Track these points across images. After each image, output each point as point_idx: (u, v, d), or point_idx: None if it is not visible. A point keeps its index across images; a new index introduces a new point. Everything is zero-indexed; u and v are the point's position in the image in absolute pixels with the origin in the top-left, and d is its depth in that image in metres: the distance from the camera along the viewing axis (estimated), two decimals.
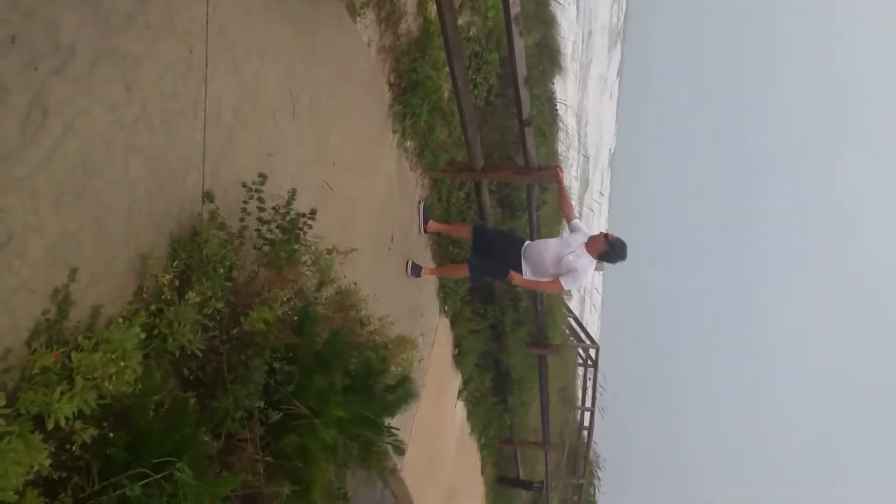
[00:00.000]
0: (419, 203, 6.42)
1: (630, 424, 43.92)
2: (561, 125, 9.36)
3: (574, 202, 7.47)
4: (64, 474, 2.28)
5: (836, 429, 75.09)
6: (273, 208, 3.37)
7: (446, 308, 7.72)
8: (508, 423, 11.02)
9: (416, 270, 6.36)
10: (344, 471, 3.67)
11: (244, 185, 3.25)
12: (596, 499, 17.15)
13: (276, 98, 3.75)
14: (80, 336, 2.42)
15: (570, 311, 13.66)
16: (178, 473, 2.30)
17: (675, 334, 73.35)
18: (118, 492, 2.26)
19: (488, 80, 7.31)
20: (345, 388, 3.32)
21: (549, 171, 6.22)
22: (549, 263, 5.79)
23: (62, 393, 2.22)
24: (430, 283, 7.06)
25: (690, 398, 74.45)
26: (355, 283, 4.25)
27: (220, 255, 2.98)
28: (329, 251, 3.82)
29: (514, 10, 4.82)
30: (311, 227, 3.51)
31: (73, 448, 2.29)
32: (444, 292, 7.57)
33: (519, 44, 5.12)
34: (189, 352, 2.73)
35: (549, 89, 9.09)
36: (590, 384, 14.31)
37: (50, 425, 2.19)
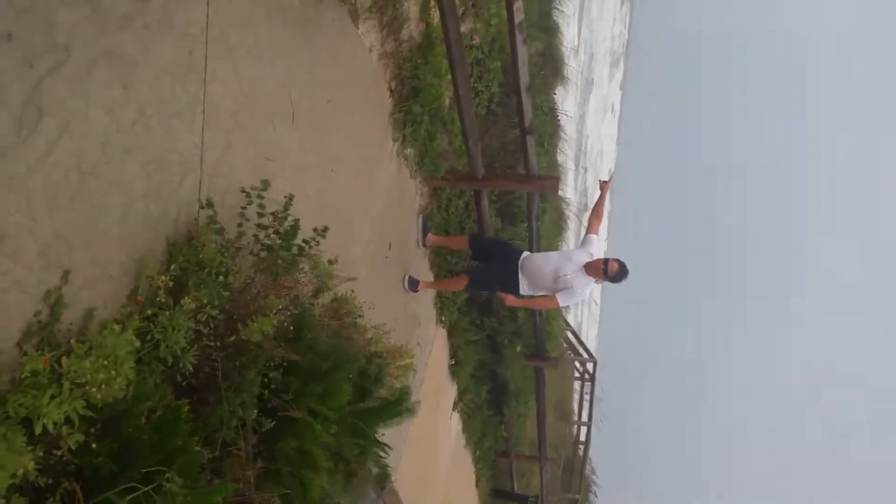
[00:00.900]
0: (419, 216, 6.36)
1: (627, 440, 43.77)
2: (563, 135, 9.37)
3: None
4: (51, 480, 2.23)
5: (834, 461, 74.61)
6: (272, 214, 3.33)
7: (443, 318, 7.67)
8: (504, 435, 10.96)
9: (413, 285, 6.25)
10: (337, 480, 3.61)
11: (243, 191, 3.22)
12: None
13: (276, 102, 3.71)
14: (73, 339, 2.37)
15: (567, 324, 13.64)
16: (168, 484, 2.24)
17: (673, 350, 73.31)
18: None
19: (490, 88, 7.30)
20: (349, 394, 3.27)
21: (552, 181, 6.19)
22: (548, 278, 5.69)
23: (52, 397, 2.17)
24: (427, 292, 7.00)
25: (690, 416, 74.33)
26: (352, 291, 4.20)
27: (216, 260, 2.94)
28: (330, 262, 3.77)
29: (518, 17, 4.82)
30: (318, 243, 3.49)
31: (61, 454, 2.24)
32: (442, 302, 7.53)
33: (522, 51, 5.11)
34: (181, 364, 2.69)
35: (550, 99, 9.10)
36: (587, 398, 14.30)
37: (38, 429, 2.14)
